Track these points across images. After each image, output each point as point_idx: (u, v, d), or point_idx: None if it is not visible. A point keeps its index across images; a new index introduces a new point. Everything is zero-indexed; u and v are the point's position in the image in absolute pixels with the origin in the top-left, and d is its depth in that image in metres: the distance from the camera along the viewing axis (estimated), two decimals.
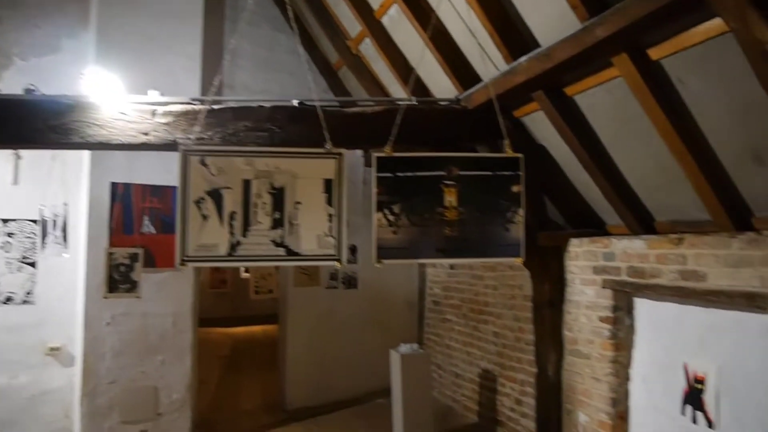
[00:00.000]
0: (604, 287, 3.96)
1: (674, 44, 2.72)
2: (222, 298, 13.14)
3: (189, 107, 3.63)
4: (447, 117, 3.99)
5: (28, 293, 4.77)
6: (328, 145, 3.12)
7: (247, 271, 12.19)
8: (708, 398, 3.35)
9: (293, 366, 6.32)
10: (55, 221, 4.77)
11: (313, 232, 3.00)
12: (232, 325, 11.93)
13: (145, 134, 3.54)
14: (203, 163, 3.00)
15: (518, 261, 3.11)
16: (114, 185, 4.60)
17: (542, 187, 4.32)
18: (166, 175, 4.67)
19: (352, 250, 6.48)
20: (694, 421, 3.43)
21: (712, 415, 3.33)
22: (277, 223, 2.97)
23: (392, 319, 6.81)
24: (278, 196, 2.98)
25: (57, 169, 4.91)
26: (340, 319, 6.49)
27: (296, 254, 2.98)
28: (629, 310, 3.93)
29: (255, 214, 2.95)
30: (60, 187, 4.91)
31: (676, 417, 3.56)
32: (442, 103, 4.15)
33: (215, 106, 3.69)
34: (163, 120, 3.55)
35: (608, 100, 3.32)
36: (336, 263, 3.03)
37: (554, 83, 3.46)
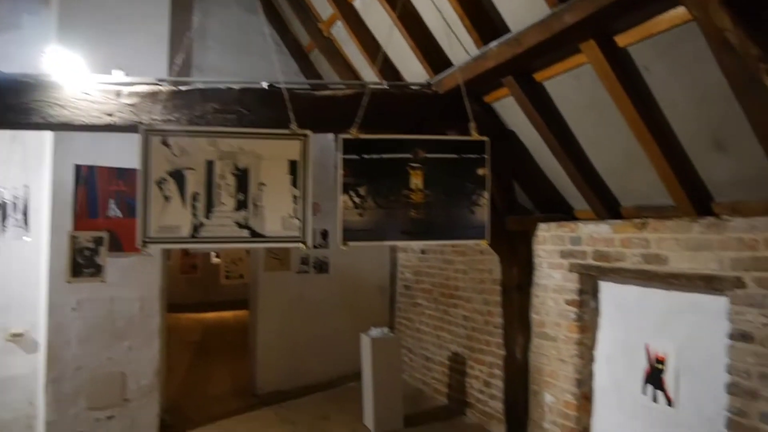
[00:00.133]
0: (570, 271, 4.04)
1: (640, 31, 2.76)
2: (192, 284, 13.01)
3: (155, 88, 3.55)
4: (418, 101, 3.99)
5: None
6: (293, 126, 3.09)
7: (217, 256, 12.07)
8: (668, 377, 3.46)
9: (264, 351, 6.31)
10: (15, 204, 4.63)
11: (277, 213, 2.97)
12: (202, 311, 11.83)
13: (110, 115, 3.46)
14: (165, 143, 2.94)
15: (483, 243, 3.15)
16: (78, 167, 4.48)
17: (512, 173, 4.36)
18: (132, 157, 4.47)
19: (324, 234, 6.47)
20: (655, 399, 3.54)
21: (671, 394, 3.44)
22: (241, 205, 2.94)
23: (364, 303, 6.83)
24: (242, 177, 2.94)
25: (17, 150, 4.75)
26: (311, 304, 6.48)
27: (260, 236, 2.95)
28: (594, 293, 4.03)
29: (218, 195, 2.91)
30: (21, 169, 4.75)
31: (637, 396, 3.68)
32: (413, 87, 4.14)
33: (182, 88, 3.62)
34: (129, 101, 3.47)
35: (576, 87, 3.36)
36: (301, 245, 3.01)
37: (524, 69, 3.49)
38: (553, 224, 4.24)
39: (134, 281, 4.83)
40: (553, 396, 4.23)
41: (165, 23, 4.97)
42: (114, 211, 4.57)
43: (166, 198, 2.86)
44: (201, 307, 11.99)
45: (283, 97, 3.64)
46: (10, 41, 4.80)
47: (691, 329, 3.33)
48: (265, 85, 3.64)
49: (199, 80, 4.31)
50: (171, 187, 2.86)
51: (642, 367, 3.64)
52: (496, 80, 3.69)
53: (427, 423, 5.31)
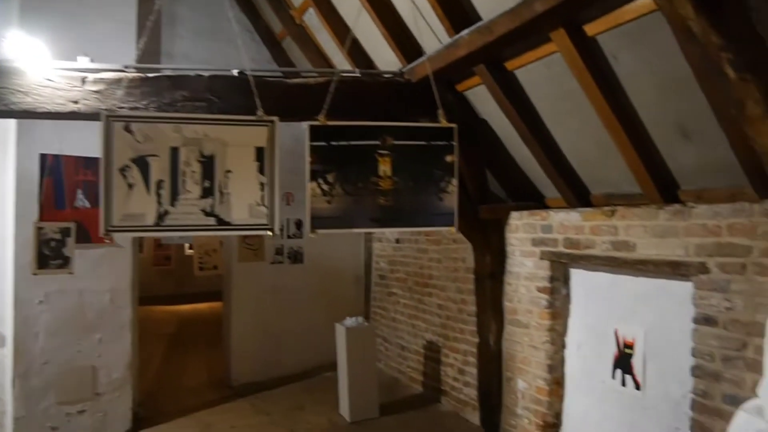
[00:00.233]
0: (542, 258, 4.09)
1: (609, 21, 2.79)
2: (166, 276, 12.86)
3: (122, 75, 3.48)
4: (390, 90, 3.98)
5: None
6: (260, 112, 3.05)
7: (191, 247, 11.93)
8: (636, 362, 3.54)
9: (238, 342, 6.27)
10: None
11: (244, 201, 2.93)
12: (176, 303, 11.71)
13: (75, 102, 3.37)
14: (128, 130, 2.87)
15: (452, 230, 3.16)
16: (43, 157, 4.36)
17: (484, 162, 4.38)
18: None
19: (298, 224, 6.44)
20: (623, 383, 3.62)
21: (639, 378, 3.52)
22: (206, 192, 2.89)
23: (339, 293, 6.83)
24: (208, 164, 2.90)
25: None
26: (286, 295, 6.45)
27: (227, 224, 2.92)
28: (565, 280, 4.08)
29: (184, 182, 2.86)
30: None
31: (607, 380, 3.75)
32: (386, 75, 4.12)
33: (151, 75, 3.56)
34: (94, 88, 3.39)
35: (547, 75, 3.38)
36: (268, 232, 2.99)
37: (495, 57, 3.49)
38: (525, 213, 4.28)
39: (104, 273, 4.74)
40: (525, 382, 4.29)
41: (132, 9, 4.86)
42: (82, 201, 4.47)
43: (130, 185, 2.80)
44: (175, 300, 11.87)
45: (256, 85, 3.61)
46: None
47: (659, 314, 3.40)
48: (235, 72, 3.59)
49: (167, 67, 4.23)
50: (134, 174, 2.80)
51: (611, 352, 3.71)
52: (468, 69, 3.69)
53: (403, 411, 5.34)
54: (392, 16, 4.07)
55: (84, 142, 4.47)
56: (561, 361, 4.11)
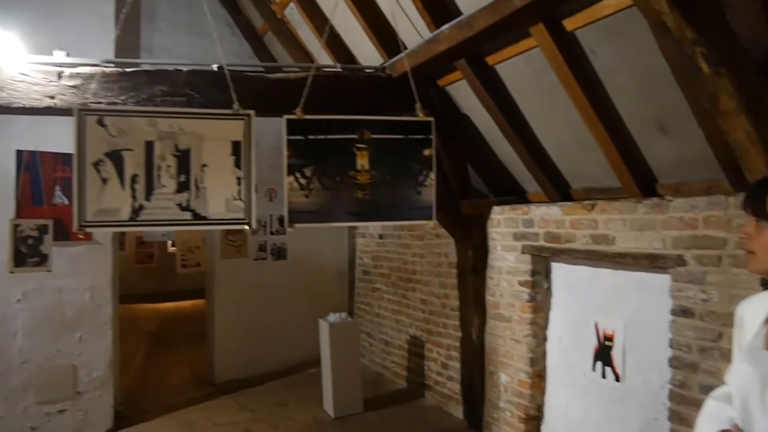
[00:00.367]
0: (523, 253, 4.11)
1: (587, 15, 2.81)
2: (149, 273, 12.76)
3: (99, 70, 3.43)
4: (372, 85, 3.97)
5: None
6: (236, 106, 3.03)
7: (174, 244, 11.84)
8: (616, 354, 3.58)
9: (222, 339, 6.23)
10: None
11: (221, 195, 2.90)
12: (159, 301, 11.62)
13: (51, 98, 3.32)
14: (101, 123, 2.83)
15: (430, 224, 3.16)
16: (20, 153, 4.28)
17: (466, 156, 4.40)
18: None
19: (281, 220, 6.41)
20: (604, 375, 3.66)
21: (619, 370, 3.56)
22: (182, 187, 2.86)
23: (323, 289, 6.82)
24: (183, 158, 2.86)
25: None
26: (269, 291, 6.42)
27: (203, 218, 2.89)
28: (547, 274, 4.12)
29: (159, 177, 2.82)
30: None
31: (587, 373, 3.79)
32: (367, 70, 4.12)
33: (129, 69, 3.51)
34: (71, 82, 3.33)
35: (527, 70, 3.40)
36: (245, 227, 2.97)
37: (476, 52, 3.51)
38: (506, 207, 4.31)
39: (84, 270, 4.69)
40: (508, 376, 4.32)
41: (110, 3, 4.79)
42: (60, 198, 4.41)
43: (104, 180, 2.75)
44: (158, 297, 11.77)
45: (235, 80, 3.58)
46: None
47: (637, 307, 3.45)
48: (215, 67, 3.56)
49: (145, 62, 4.17)
50: (108, 168, 2.75)
51: (592, 344, 3.75)
52: (449, 64, 3.70)
53: (387, 406, 5.36)
54: (373, 11, 4.06)
55: (62, 137, 4.35)
56: (543, 355, 4.15)
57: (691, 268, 2.93)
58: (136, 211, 2.79)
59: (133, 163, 2.79)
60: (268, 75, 3.84)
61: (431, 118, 3.17)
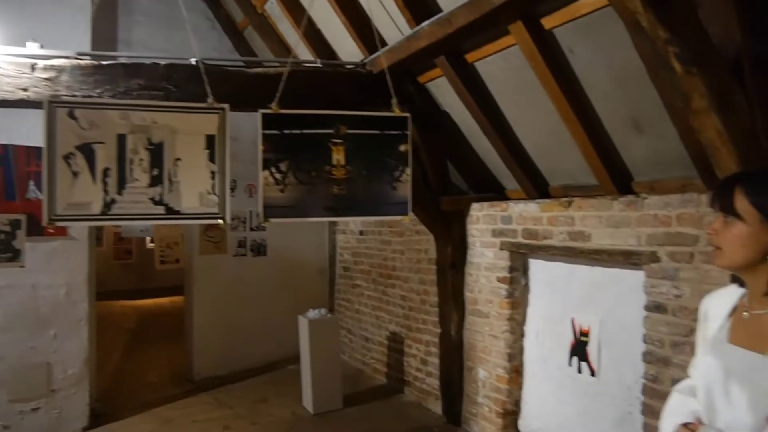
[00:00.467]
0: (501, 249, 4.15)
1: (565, 14, 2.83)
2: (127, 270, 12.60)
3: (74, 62, 3.38)
4: (352, 81, 3.96)
5: None
6: (210, 100, 3.00)
7: (152, 240, 11.71)
8: (591, 349, 3.63)
9: (200, 336, 6.18)
10: None
11: (194, 189, 2.88)
12: (138, 298, 11.47)
13: (24, 90, 3.26)
14: (72, 116, 2.78)
15: (405, 219, 3.18)
16: None
17: (446, 153, 4.42)
18: None
19: None
20: (580, 370, 3.71)
21: (594, 365, 3.61)
22: (155, 181, 2.83)
23: (303, 286, 6.80)
24: (156, 152, 2.83)
25: None
26: (249, 287, 6.38)
27: (177, 213, 2.86)
28: (524, 270, 4.15)
29: (131, 170, 2.79)
30: None
31: (564, 368, 3.84)
32: (348, 66, 4.11)
33: (105, 62, 3.46)
34: (44, 75, 3.28)
35: (506, 68, 3.42)
36: (219, 221, 2.95)
37: (456, 49, 3.52)
38: (485, 204, 4.34)
39: (59, 266, 4.61)
40: (486, 371, 4.36)
41: None
42: (34, 192, 4.33)
43: (75, 173, 2.71)
44: (137, 294, 11.63)
45: (213, 73, 3.55)
46: None
47: (613, 303, 3.50)
48: (193, 61, 3.52)
49: (122, 55, 4.13)
50: (79, 162, 2.71)
51: (568, 340, 3.80)
52: (429, 60, 3.71)
53: (366, 402, 5.36)
54: (353, 7, 4.05)
55: (36, 131, 4.29)
56: (520, 350, 4.19)
57: (664, 265, 2.98)
58: (108, 205, 2.75)
59: (105, 157, 2.75)
60: (248, 69, 3.82)
61: (407, 114, 3.18)
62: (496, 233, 4.21)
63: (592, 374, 3.62)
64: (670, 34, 1.99)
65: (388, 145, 3.08)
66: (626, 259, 3.20)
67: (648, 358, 3.09)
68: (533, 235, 3.87)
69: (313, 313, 5.22)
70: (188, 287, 6.38)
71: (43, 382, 4.58)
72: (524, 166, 3.87)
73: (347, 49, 4.54)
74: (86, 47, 4.48)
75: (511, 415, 4.20)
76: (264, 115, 3.01)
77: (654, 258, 3.02)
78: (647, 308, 3.09)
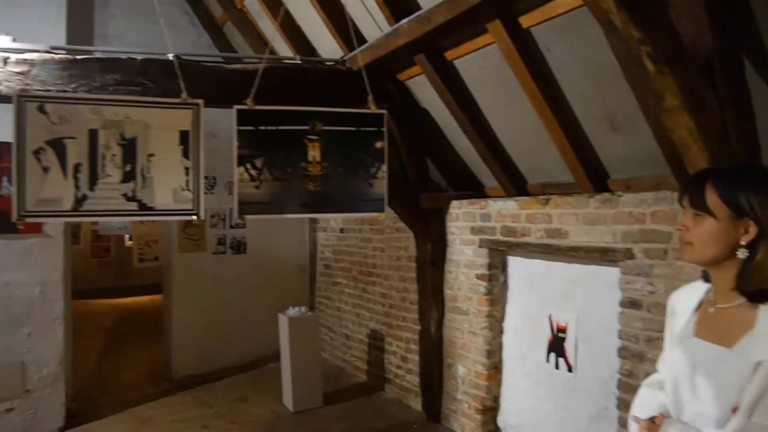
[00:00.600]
0: (480, 246, 4.17)
1: (542, 13, 2.86)
2: (105, 268, 12.43)
3: (48, 56, 3.32)
4: (332, 77, 3.95)
5: None
6: (184, 95, 2.97)
7: (131, 238, 11.58)
8: (568, 345, 3.67)
9: (179, 334, 6.12)
10: None
11: (168, 185, 2.86)
12: (117, 296, 11.32)
13: None
14: (42, 111, 2.74)
15: (381, 216, 3.18)
16: None
17: (425, 151, 4.43)
18: None
19: None
20: (557, 366, 3.75)
21: (571, 360, 3.65)
22: (128, 176, 2.80)
23: (284, 284, 6.77)
24: (129, 147, 2.80)
25: None
26: (229, 285, 6.34)
27: (150, 209, 2.83)
28: (503, 267, 4.18)
29: (103, 166, 2.75)
30: None
31: (542, 364, 3.88)
32: (327, 63, 4.10)
33: (79, 57, 3.41)
34: (17, 69, 3.21)
35: (485, 66, 3.44)
36: (193, 218, 2.93)
37: (435, 47, 3.53)
38: (465, 201, 4.36)
39: (33, 264, 4.53)
40: (465, 368, 4.38)
41: None
42: (7, 189, 4.24)
43: (45, 169, 2.67)
44: (115, 292, 11.48)
45: (191, 69, 3.52)
46: None
47: (589, 299, 3.54)
48: (170, 56, 3.48)
49: (97, 49, 4.07)
50: (50, 157, 2.67)
51: (546, 336, 3.83)
52: (409, 58, 3.71)
53: (347, 400, 5.36)
54: (333, 3, 4.04)
55: (6, 127, 4.24)
56: (499, 347, 4.22)
57: (639, 261, 3.02)
58: (80, 201, 2.71)
59: (76, 152, 2.71)
60: (226, 65, 3.79)
61: (383, 111, 3.19)
62: (475, 231, 4.23)
63: (569, 370, 3.66)
64: (643, 34, 2.02)
65: (364, 141, 3.08)
66: (602, 256, 3.24)
67: (623, 353, 3.14)
68: (511, 233, 3.90)
69: (293, 311, 5.20)
70: (167, 285, 6.32)
71: (18, 382, 4.50)
72: (503, 164, 3.90)
73: (327, 46, 4.52)
74: (61, 41, 4.41)
75: (490, 411, 4.23)
76: (239, 111, 2.99)
77: (629, 255, 3.06)
78: (622, 304, 3.13)
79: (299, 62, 3.86)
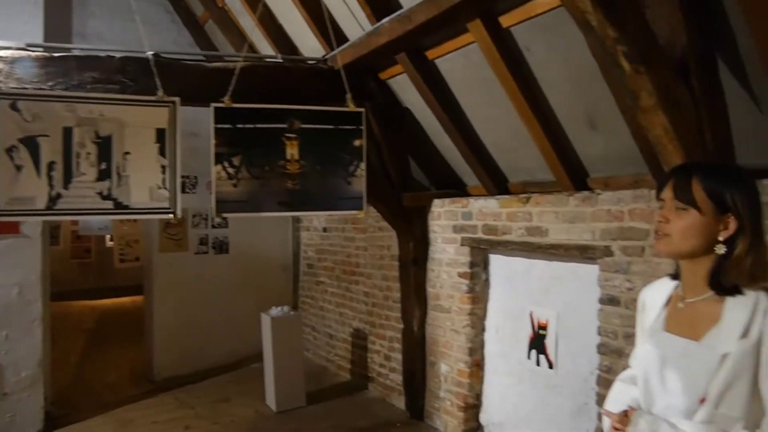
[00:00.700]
0: (462, 245, 4.19)
1: (521, 13, 2.88)
2: (86, 269, 12.24)
3: (24, 54, 3.27)
4: (314, 76, 3.94)
5: None
6: (160, 93, 2.95)
7: (111, 239, 11.44)
8: (549, 342, 3.70)
9: (161, 335, 6.07)
10: None
11: (144, 184, 2.83)
12: (97, 297, 11.18)
13: None
14: (14, 108, 2.70)
15: (360, 214, 3.19)
16: None
17: (407, 150, 4.44)
18: None
19: None
20: (538, 363, 3.78)
21: (552, 357, 3.69)
22: (103, 175, 2.77)
23: (267, 283, 6.74)
24: (104, 145, 2.77)
25: None
26: (211, 286, 6.29)
27: (126, 207, 2.80)
28: (485, 265, 4.21)
29: (78, 164, 2.72)
30: None
31: (523, 361, 3.91)
32: (309, 62, 4.09)
33: (57, 54, 3.37)
34: None
35: (466, 65, 3.46)
36: (170, 216, 2.91)
37: (416, 46, 3.54)
38: (446, 200, 4.38)
39: (10, 265, 4.46)
40: (447, 365, 4.41)
41: None
42: None
43: (18, 167, 2.63)
44: (96, 294, 11.33)
45: (171, 67, 3.49)
46: None
47: (569, 296, 3.58)
48: (149, 54, 3.45)
49: (76, 47, 4.01)
50: (23, 155, 2.63)
51: (527, 333, 3.87)
52: (390, 57, 3.72)
53: (330, 399, 5.36)
54: (314, 2, 4.03)
55: None
56: (481, 344, 4.25)
57: (617, 259, 3.06)
58: (54, 199, 2.67)
59: (50, 150, 2.67)
60: (207, 64, 3.77)
61: (362, 109, 3.19)
62: (456, 229, 4.26)
63: (550, 367, 3.70)
64: (619, 34, 2.05)
65: (342, 139, 3.08)
66: (581, 253, 3.28)
67: (602, 349, 3.18)
68: (493, 231, 3.93)
69: (275, 311, 5.18)
70: (148, 285, 6.26)
71: None
72: (484, 163, 3.92)
73: (309, 44, 4.51)
74: (38, 39, 4.35)
75: (472, 408, 4.26)
76: (216, 108, 2.97)
77: (607, 252, 3.10)
78: (601, 301, 3.17)
79: (281, 61, 3.84)
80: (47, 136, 2.70)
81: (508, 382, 4.06)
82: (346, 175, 3.08)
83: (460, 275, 4.22)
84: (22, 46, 3.31)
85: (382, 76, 4.08)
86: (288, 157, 2.95)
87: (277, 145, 2.97)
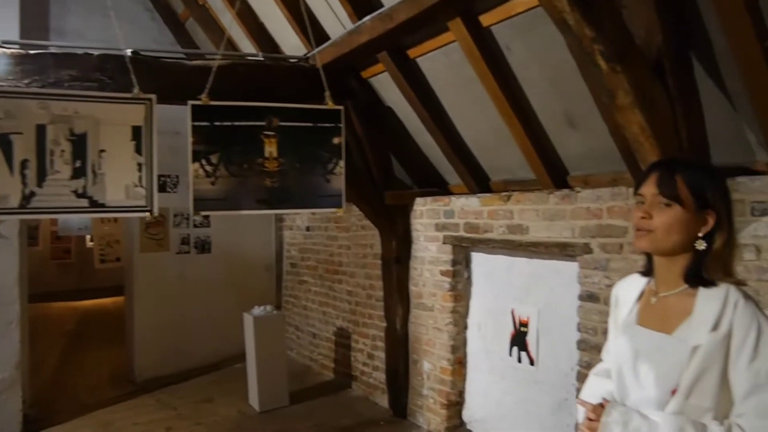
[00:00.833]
0: (444, 243, 4.21)
1: (501, 12, 2.90)
2: (66, 270, 12.09)
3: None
4: (295, 74, 3.93)
5: None
6: (136, 90, 2.92)
7: (92, 239, 11.31)
8: (530, 339, 3.74)
9: (142, 336, 6.01)
10: None
11: (120, 182, 2.80)
12: (78, 299, 11.03)
13: None
14: None
15: (339, 212, 3.19)
16: None
17: (390, 148, 4.45)
18: None
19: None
20: (519, 360, 3.81)
21: (533, 354, 3.72)
22: (78, 173, 2.73)
23: (250, 283, 6.70)
24: (79, 143, 2.73)
25: None
26: (193, 286, 6.24)
27: (101, 206, 2.77)
28: (467, 263, 4.23)
29: (52, 162, 2.68)
30: None
31: (505, 358, 3.94)
32: (291, 60, 4.08)
33: (33, 51, 3.32)
34: None
35: (447, 64, 3.47)
36: (146, 214, 2.88)
37: (397, 45, 3.54)
38: (429, 198, 4.39)
39: None
40: (430, 363, 4.42)
41: None
42: None
43: None
44: (76, 295, 11.18)
45: (150, 65, 3.46)
46: None
47: (550, 293, 3.61)
48: (129, 52, 3.41)
49: (53, 44, 3.96)
50: None
51: (508, 330, 3.90)
52: (372, 56, 3.72)
53: (314, 398, 5.35)
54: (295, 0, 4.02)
55: None
56: (463, 342, 4.27)
57: (596, 256, 3.10)
58: (27, 198, 2.63)
59: (23, 148, 2.63)
60: (187, 62, 3.74)
61: (341, 107, 3.19)
62: (439, 227, 4.27)
63: (531, 363, 3.73)
64: (596, 33, 2.07)
65: (321, 137, 3.07)
66: (561, 250, 3.31)
67: (582, 345, 3.21)
68: (474, 229, 3.95)
69: (258, 310, 5.16)
70: (129, 286, 6.19)
71: None
72: (466, 161, 3.94)
73: (291, 43, 4.50)
74: (14, 35, 4.28)
75: (455, 406, 4.28)
76: (193, 106, 2.95)
77: (587, 249, 3.14)
78: (581, 298, 3.20)
79: (262, 59, 3.83)
80: (20, 133, 2.65)
81: (490, 379, 4.09)
82: (325, 172, 3.07)
83: (443, 273, 4.24)
84: None
85: (364, 74, 4.08)
86: (266, 154, 2.94)
87: (255, 143, 2.95)
